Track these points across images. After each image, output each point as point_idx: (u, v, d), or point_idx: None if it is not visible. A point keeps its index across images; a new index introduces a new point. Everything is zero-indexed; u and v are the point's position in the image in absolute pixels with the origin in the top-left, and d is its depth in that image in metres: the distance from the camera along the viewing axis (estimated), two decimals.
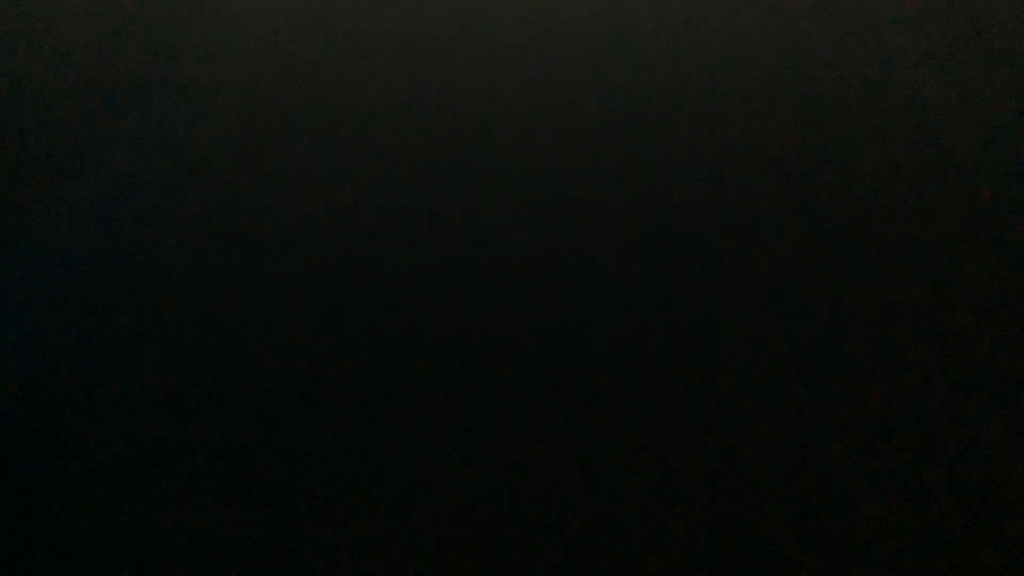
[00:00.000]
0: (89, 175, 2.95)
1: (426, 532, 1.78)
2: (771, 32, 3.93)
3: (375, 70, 3.67)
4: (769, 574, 1.69)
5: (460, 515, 1.81)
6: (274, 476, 1.89)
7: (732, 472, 1.89)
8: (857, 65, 3.63)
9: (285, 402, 2.08)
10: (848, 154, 3.05)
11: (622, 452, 1.94)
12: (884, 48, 3.76)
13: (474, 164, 3.02)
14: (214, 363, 2.19)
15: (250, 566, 1.71)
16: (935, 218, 2.71)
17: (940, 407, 2.05)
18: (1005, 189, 2.85)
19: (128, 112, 3.33)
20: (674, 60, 3.71)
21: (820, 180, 2.91)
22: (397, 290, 2.44)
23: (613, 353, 2.21)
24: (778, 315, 2.33)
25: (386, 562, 1.72)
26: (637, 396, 2.09)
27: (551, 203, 2.80)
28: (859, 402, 2.06)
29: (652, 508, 1.82)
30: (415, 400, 2.08)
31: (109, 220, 2.73)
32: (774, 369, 2.16)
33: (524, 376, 2.15)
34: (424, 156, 3.07)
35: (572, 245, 2.61)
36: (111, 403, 2.07)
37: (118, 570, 1.70)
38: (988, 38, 3.74)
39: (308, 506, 1.83)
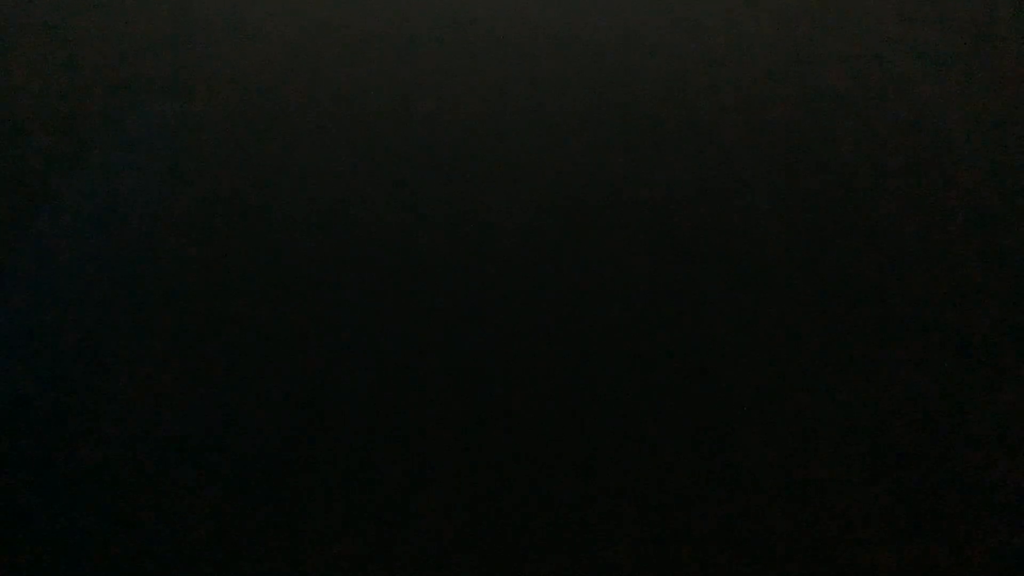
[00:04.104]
0: (89, 174, 2.95)
1: (426, 532, 1.78)
2: (770, 33, 3.93)
3: (376, 70, 3.67)
4: (768, 574, 1.69)
5: (459, 515, 1.81)
6: (275, 476, 1.89)
7: (731, 472, 1.89)
8: (856, 66, 3.63)
9: (285, 401, 2.08)
10: (847, 155, 3.06)
11: (621, 452, 1.94)
12: (883, 50, 3.76)
13: (473, 164, 3.03)
14: (214, 362, 2.19)
15: (250, 566, 1.71)
16: (935, 219, 2.72)
17: (940, 407, 2.05)
18: (1005, 189, 2.85)
19: (128, 112, 3.33)
20: (673, 61, 3.72)
21: (820, 181, 2.91)
22: (398, 289, 2.44)
23: (611, 353, 2.22)
24: (777, 315, 2.33)
25: (386, 562, 1.72)
26: (636, 396, 2.09)
27: (550, 203, 2.80)
28: (859, 403, 2.07)
29: (651, 508, 1.82)
30: (416, 400, 2.09)
31: (109, 220, 2.73)
32: (773, 369, 2.16)
33: (524, 375, 2.15)
34: (425, 156, 3.08)
35: (570, 245, 2.61)
36: (111, 403, 2.07)
37: (118, 570, 1.70)
38: (988, 39, 3.74)
39: (308, 506, 1.83)
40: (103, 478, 1.89)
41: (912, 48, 3.72)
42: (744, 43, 3.84)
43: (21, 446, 1.96)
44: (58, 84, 3.48)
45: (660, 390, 2.11)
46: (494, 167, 3.01)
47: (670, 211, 2.76)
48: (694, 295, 2.41)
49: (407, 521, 1.80)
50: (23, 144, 3.11)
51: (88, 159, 3.04)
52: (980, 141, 3.11)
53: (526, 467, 1.91)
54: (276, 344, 2.25)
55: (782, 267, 2.51)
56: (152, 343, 2.25)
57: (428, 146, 3.14)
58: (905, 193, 2.84)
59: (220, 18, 4.11)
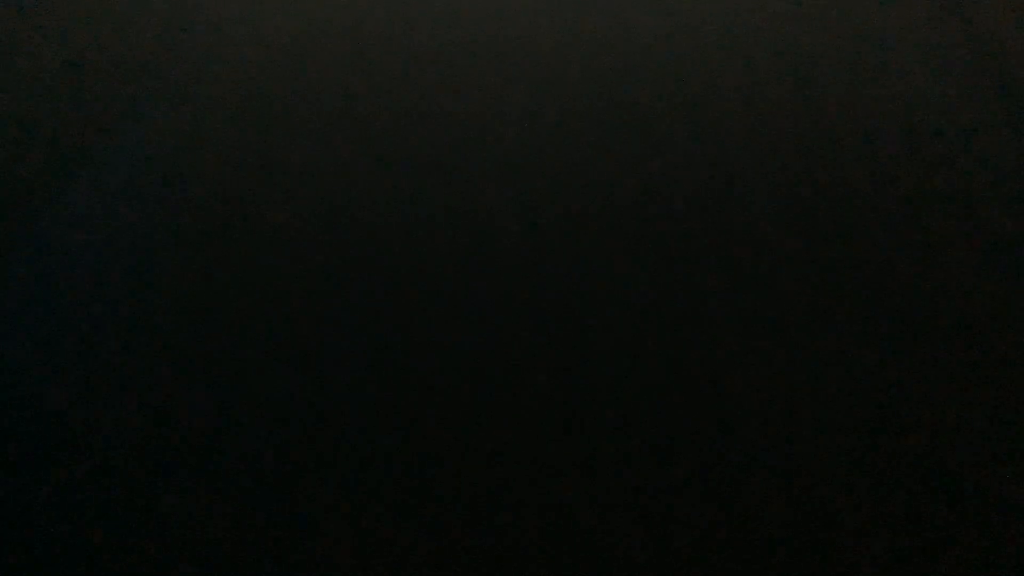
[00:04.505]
0: (89, 177, 2.95)
1: (426, 533, 1.78)
2: (769, 35, 3.93)
3: (376, 72, 3.68)
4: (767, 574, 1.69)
5: (459, 516, 1.81)
6: (275, 476, 1.90)
7: (729, 473, 1.90)
8: (854, 68, 3.64)
9: (285, 402, 2.08)
10: (846, 156, 3.06)
11: (619, 452, 1.95)
12: (881, 51, 3.77)
13: (474, 165, 3.03)
14: (214, 363, 2.20)
15: (250, 567, 1.71)
16: (933, 219, 2.72)
17: (939, 408, 2.05)
18: (1003, 190, 2.86)
19: (128, 114, 3.33)
20: (672, 62, 3.72)
21: (818, 182, 2.91)
22: (398, 291, 2.45)
23: (611, 353, 2.22)
24: (776, 315, 2.34)
25: (386, 563, 1.72)
26: (635, 396, 2.09)
27: (550, 204, 2.81)
28: (858, 403, 2.07)
29: (649, 509, 1.82)
30: (416, 400, 2.09)
31: (109, 221, 2.73)
32: (771, 369, 2.16)
33: (523, 376, 2.15)
34: (425, 158, 3.08)
35: (571, 246, 2.62)
36: (110, 404, 2.07)
37: (117, 570, 1.70)
38: (984, 41, 3.74)
39: (308, 506, 1.83)
40: (102, 479, 1.89)
41: (909, 51, 3.72)
42: (744, 43, 3.84)
43: (21, 446, 1.96)
44: (58, 86, 3.48)
45: (660, 390, 2.11)
46: (493, 167, 3.01)
47: (669, 211, 2.76)
48: (692, 295, 2.41)
49: (407, 521, 1.80)
50: (23, 147, 3.11)
51: (88, 161, 3.04)
52: (980, 142, 3.11)
53: (526, 467, 1.92)
54: (276, 345, 2.26)
55: (781, 267, 2.51)
56: (152, 344, 2.26)
57: (427, 147, 3.14)
58: (903, 194, 2.84)
59: (220, 20, 4.11)
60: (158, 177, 2.96)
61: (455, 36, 3.98)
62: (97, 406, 2.07)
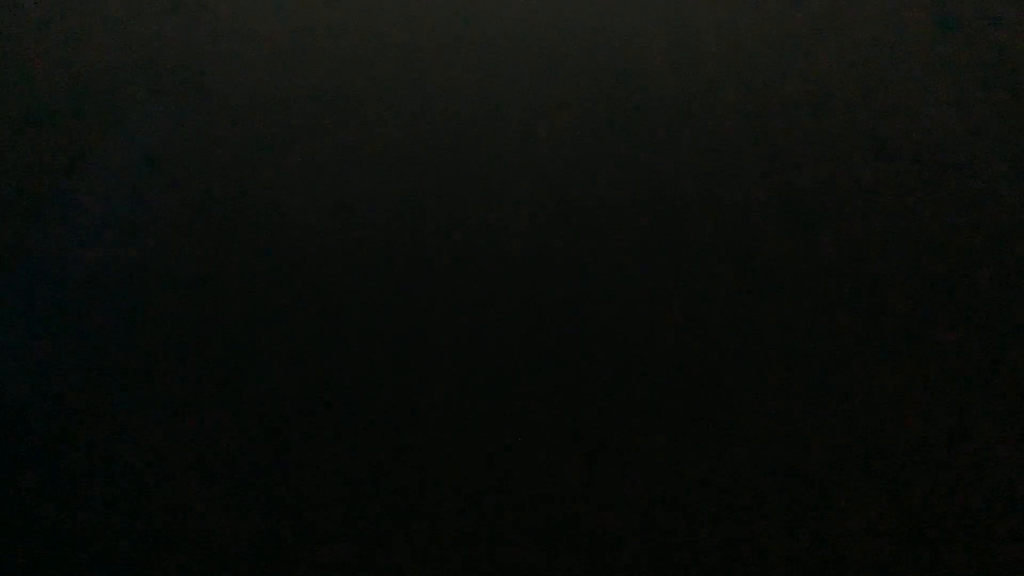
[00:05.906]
0: (91, 175, 2.95)
1: (427, 533, 1.78)
2: (770, 40, 3.94)
3: (378, 71, 3.68)
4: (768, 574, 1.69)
5: (460, 516, 1.81)
6: (275, 477, 1.90)
7: (728, 474, 1.90)
8: (854, 72, 3.64)
9: (287, 403, 2.08)
10: (846, 160, 3.06)
11: (619, 453, 1.95)
12: (882, 55, 3.77)
13: (475, 167, 3.03)
14: (215, 363, 2.19)
15: (251, 567, 1.71)
16: (932, 222, 2.72)
17: (938, 409, 2.05)
18: (1002, 195, 2.86)
19: (131, 113, 3.33)
20: (674, 67, 3.72)
21: (818, 185, 2.92)
22: (399, 291, 2.45)
23: (610, 355, 2.22)
24: (776, 318, 2.34)
25: (386, 563, 1.72)
26: (634, 397, 2.09)
27: (551, 206, 2.81)
28: (857, 404, 2.07)
29: (648, 510, 1.82)
30: (417, 401, 2.09)
31: (111, 220, 2.73)
32: (771, 372, 2.16)
33: (523, 376, 2.15)
34: (426, 157, 3.08)
35: (572, 248, 2.62)
36: (112, 403, 2.07)
37: (118, 570, 1.70)
38: (985, 46, 3.75)
39: (309, 507, 1.83)
40: (103, 477, 1.89)
41: (910, 56, 3.72)
42: (745, 44, 3.84)
43: (22, 444, 1.96)
44: (58, 85, 3.48)
45: (659, 390, 2.11)
46: (493, 167, 3.01)
47: (670, 211, 2.77)
48: (692, 298, 2.41)
49: (407, 522, 1.80)
50: (23, 146, 3.11)
51: (88, 161, 3.04)
52: (982, 142, 3.11)
53: (527, 468, 1.92)
54: (277, 343, 2.26)
55: (780, 270, 2.51)
56: (151, 342, 2.26)
57: (427, 148, 3.14)
58: (902, 198, 2.84)
59: (221, 19, 4.11)
60: (158, 177, 2.96)
61: (455, 36, 3.98)
62: (98, 404, 2.07)
